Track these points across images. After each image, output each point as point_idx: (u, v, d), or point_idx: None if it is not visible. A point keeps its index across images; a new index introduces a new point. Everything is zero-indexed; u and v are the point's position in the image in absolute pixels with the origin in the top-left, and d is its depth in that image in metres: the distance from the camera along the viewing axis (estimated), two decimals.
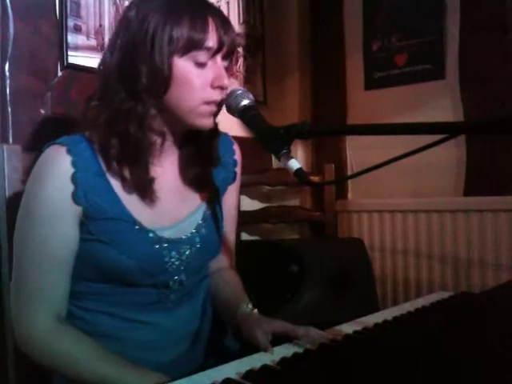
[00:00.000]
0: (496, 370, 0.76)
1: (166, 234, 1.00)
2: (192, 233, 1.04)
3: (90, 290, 0.99)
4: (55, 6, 1.51)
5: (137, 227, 0.97)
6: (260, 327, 0.96)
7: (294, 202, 2.43)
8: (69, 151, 0.93)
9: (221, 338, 1.15)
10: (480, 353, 0.84)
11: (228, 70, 1.00)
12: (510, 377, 0.73)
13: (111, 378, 0.88)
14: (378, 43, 2.32)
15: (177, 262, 1.01)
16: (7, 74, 1.39)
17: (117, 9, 1.69)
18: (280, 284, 1.75)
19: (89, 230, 0.95)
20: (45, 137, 1.02)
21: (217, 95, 0.96)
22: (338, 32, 2.43)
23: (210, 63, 0.95)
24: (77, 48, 1.55)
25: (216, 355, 1.09)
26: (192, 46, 0.92)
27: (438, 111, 2.11)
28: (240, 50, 2.21)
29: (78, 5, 1.57)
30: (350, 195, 2.41)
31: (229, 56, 0.99)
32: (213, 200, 1.10)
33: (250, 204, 2.22)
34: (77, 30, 1.56)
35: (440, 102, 2.13)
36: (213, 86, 0.95)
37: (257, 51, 2.31)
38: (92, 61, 1.56)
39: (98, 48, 1.61)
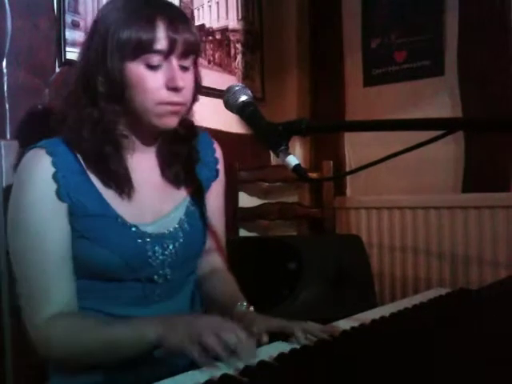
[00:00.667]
0: (494, 366, 0.76)
1: (149, 230, 1.02)
2: (175, 228, 1.06)
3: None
4: (53, 1, 1.51)
5: (119, 222, 0.99)
6: (256, 325, 0.96)
7: (292, 198, 2.43)
8: (48, 152, 0.97)
9: None
10: (478, 349, 0.84)
11: (191, 68, 1.01)
12: (509, 373, 0.73)
13: (116, 336, 0.90)
14: (376, 40, 2.32)
15: (161, 257, 1.03)
16: (5, 70, 1.39)
17: None
18: (278, 280, 1.75)
19: (73, 226, 0.97)
20: (43, 133, 1.03)
21: (172, 96, 0.97)
22: (337, 28, 2.43)
23: (164, 64, 0.96)
24: (75, 44, 1.54)
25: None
26: (141, 49, 0.93)
27: (436, 108, 2.11)
28: (238, 46, 2.21)
29: (76, 1, 1.57)
30: (348, 192, 2.41)
31: (187, 55, 0.98)
32: (196, 197, 1.13)
33: (248, 200, 2.23)
34: (75, 26, 1.56)
35: (439, 99, 2.13)
36: (167, 88, 0.96)
37: (255, 47, 2.31)
38: None
39: None
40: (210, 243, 1.19)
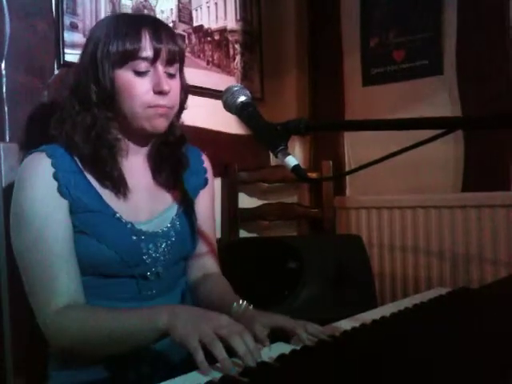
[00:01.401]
0: (495, 365, 0.76)
1: (143, 228, 1.09)
2: (167, 227, 1.12)
3: None
4: (51, 3, 1.51)
5: (116, 218, 1.05)
6: (258, 320, 0.97)
7: (291, 198, 2.43)
8: (48, 155, 1.03)
9: None
10: (479, 348, 0.84)
11: (177, 75, 1.09)
12: (509, 372, 0.73)
13: (128, 322, 0.92)
14: (375, 39, 2.32)
15: (154, 255, 1.08)
16: (4, 72, 1.39)
17: (113, 6, 1.68)
18: (278, 281, 1.75)
19: (72, 223, 1.02)
20: (42, 135, 1.07)
21: (159, 100, 1.05)
22: (336, 28, 2.43)
23: (151, 71, 1.04)
24: (73, 46, 1.54)
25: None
26: (127, 56, 1.02)
27: (435, 107, 2.11)
28: (237, 46, 2.21)
29: (75, 2, 1.57)
30: (348, 192, 2.41)
31: (171, 63, 1.07)
32: (185, 201, 1.18)
33: (248, 201, 2.22)
34: (73, 27, 1.56)
35: (438, 98, 2.12)
36: (154, 92, 1.04)
37: (254, 48, 2.31)
38: None
39: None
40: (202, 248, 1.23)
